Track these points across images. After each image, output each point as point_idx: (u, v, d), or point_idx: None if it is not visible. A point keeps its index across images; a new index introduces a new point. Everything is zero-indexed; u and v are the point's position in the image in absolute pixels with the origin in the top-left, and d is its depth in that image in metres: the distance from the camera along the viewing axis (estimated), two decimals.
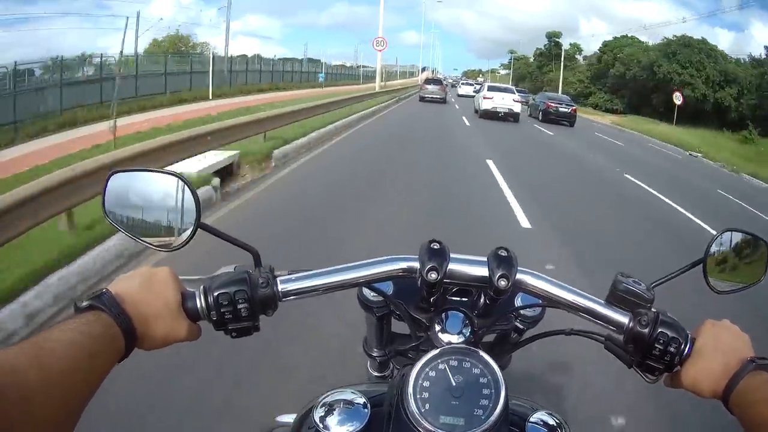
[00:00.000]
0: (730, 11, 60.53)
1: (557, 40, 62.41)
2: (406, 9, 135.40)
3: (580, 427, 2.00)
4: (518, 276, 0.64)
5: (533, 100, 25.17)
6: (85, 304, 0.53)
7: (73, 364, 0.46)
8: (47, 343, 0.46)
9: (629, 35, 48.15)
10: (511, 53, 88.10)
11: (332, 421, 0.63)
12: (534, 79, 63.24)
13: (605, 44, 48.38)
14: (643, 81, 37.76)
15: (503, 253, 0.64)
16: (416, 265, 0.65)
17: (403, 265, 0.66)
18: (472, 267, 0.65)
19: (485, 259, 0.65)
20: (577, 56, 61.46)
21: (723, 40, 69.76)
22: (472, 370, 0.63)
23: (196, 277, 0.63)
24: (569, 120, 20.88)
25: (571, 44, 62.28)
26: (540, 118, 21.02)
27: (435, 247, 0.64)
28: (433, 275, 0.62)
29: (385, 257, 0.67)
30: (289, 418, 0.84)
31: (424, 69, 79.65)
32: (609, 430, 2.25)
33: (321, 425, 0.62)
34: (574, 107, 21.63)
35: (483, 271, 0.64)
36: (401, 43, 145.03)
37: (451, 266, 0.64)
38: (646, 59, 38.43)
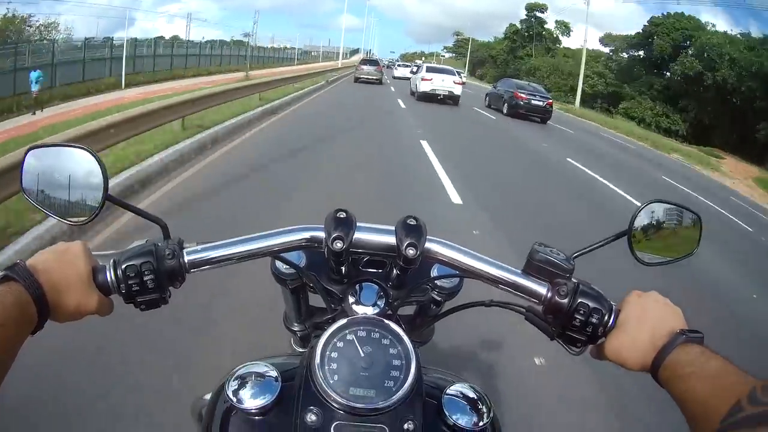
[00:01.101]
0: None
1: (539, 15, 53.98)
2: None
3: (501, 400, 2.20)
4: (427, 245, 0.67)
5: (494, 88, 21.25)
6: (0, 274, 0.56)
7: None
8: None
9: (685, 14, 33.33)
10: (457, 35, 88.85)
11: (245, 394, 0.64)
12: (502, 64, 55.10)
13: (654, 23, 34.74)
14: (745, 95, 23.12)
15: (411, 222, 0.66)
16: (321, 234, 0.67)
17: (308, 234, 0.68)
18: (379, 236, 0.68)
19: (393, 228, 0.67)
20: (563, 37, 54.60)
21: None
22: (382, 340, 0.65)
23: (109, 252, 0.66)
24: (542, 115, 17.82)
25: (557, 22, 54.47)
26: (505, 111, 18.05)
27: (341, 216, 0.66)
28: (339, 244, 0.64)
29: (291, 227, 0.69)
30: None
31: (355, 51, 79.82)
32: (530, 402, 2.36)
33: (234, 399, 0.64)
34: (549, 99, 18.33)
35: (391, 240, 0.67)
36: (339, 26, 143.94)
37: (358, 235, 0.67)
38: (750, 61, 23.34)
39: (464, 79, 43.21)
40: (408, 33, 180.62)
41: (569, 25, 56.38)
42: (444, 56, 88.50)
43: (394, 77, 34.52)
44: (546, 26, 54.70)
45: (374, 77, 25.23)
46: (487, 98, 20.87)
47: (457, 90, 18.89)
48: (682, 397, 0.56)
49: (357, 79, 25.23)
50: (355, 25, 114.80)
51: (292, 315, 0.90)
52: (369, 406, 0.61)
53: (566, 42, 55.82)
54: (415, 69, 25.62)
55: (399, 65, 42.95)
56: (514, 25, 57.92)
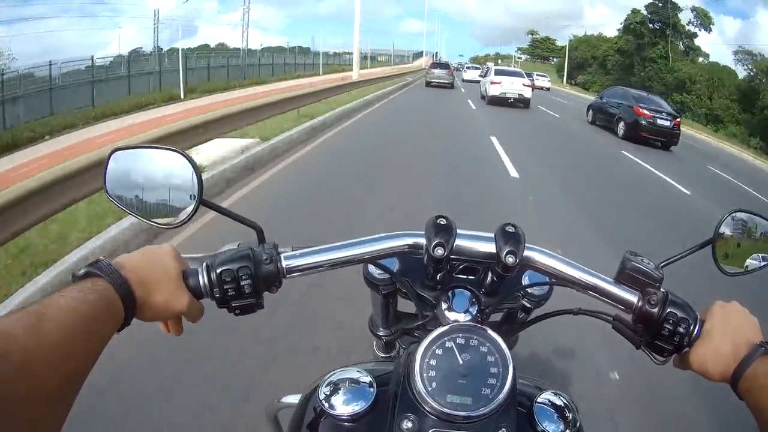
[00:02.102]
0: None
1: None
2: None
3: (587, 408, 2.11)
4: (526, 253, 0.69)
5: (600, 99, 16.82)
6: (82, 271, 0.58)
7: (71, 331, 0.49)
8: (45, 309, 0.49)
9: None
10: (532, 34, 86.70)
11: (337, 400, 0.67)
12: (618, 69, 42.03)
13: None
14: None
15: (511, 230, 0.69)
16: (422, 241, 0.70)
17: (409, 240, 0.72)
18: (479, 243, 0.71)
19: (492, 235, 0.70)
20: (700, 32, 39.28)
21: (728, 27, 65.13)
22: (480, 348, 0.67)
23: (199, 255, 0.69)
24: (667, 139, 13.97)
25: (694, 10, 37.90)
26: (621, 133, 14.25)
27: (441, 222, 0.69)
28: (440, 251, 0.67)
29: (390, 233, 0.73)
30: (294, 399, 0.90)
31: (419, 54, 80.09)
32: (614, 411, 2.38)
33: (326, 404, 0.66)
34: (677, 118, 14.19)
35: (490, 248, 0.70)
36: (402, 30, 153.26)
37: (458, 242, 0.69)
38: None
39: (549, 84, 41.73)
40: (473, 36, 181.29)
41: (708, 13, 41.04)
42: (521, 59, 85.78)
43: (464, 80, 35.44)
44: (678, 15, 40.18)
45: (445, 81, 25.94)
46: (590, 112, 17.15)
47: (527, 93, 19.02)
48: (758, 408, 0.58)
49: (428, 83, 26.04)
50: (421, 30, 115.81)
51: (379, 320, 0.93)
52: (466, 413, 0.62)
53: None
54: (484, 72, 25.54)
55: (468, 68, 43.54)
56: (638, 11, 41.69)
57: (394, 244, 0.72)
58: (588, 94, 37.12)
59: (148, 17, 33.41)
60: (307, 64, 40.54)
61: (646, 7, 40.20)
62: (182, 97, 24.44)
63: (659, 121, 13.69)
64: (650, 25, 39.88)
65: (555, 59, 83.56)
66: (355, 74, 21.24)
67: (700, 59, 38.86)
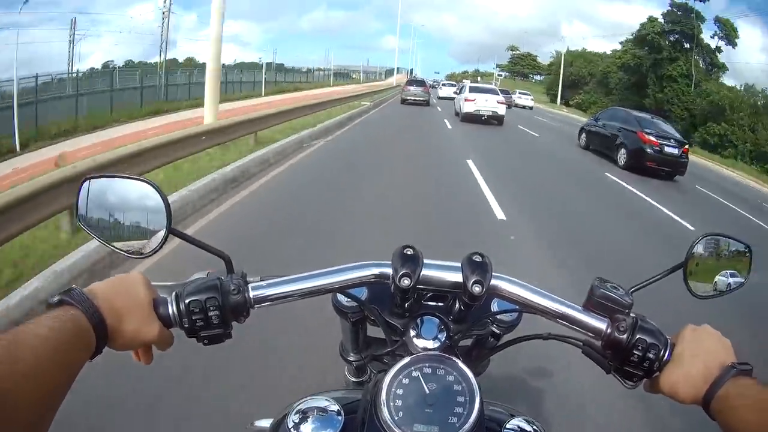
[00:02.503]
0: None
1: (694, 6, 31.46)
2: (385, 14, 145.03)
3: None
4: (493, 282, 0.72)
5: (595, 122, 15.03)
6: (55, 299, 0.60)
7: (43, 359, 0.51)
8: (18, 336, 0.51)
9: None
10: (512, 50, 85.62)
11: (306, 428, 0.69)
12: (623, 88, 36.04)
13: None
14: None
15: (477, 259, 0.72)
16: (389, 271, 0.72)
17: (376, 271, 0.74)
18: (445, 273, 0.74)
19: (459, 264, 0.73)
20: (725, 47, 32.36)
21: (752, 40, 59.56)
22: (447, 377, 0.69)
23: (169, 283, 0.71)
24: (674, 169, 12.33)
25: (717, 21, 31.32)
26: (622, 162, 12.58)
27: (408, 252, 0.72)
28: (406, 281, 0.70)
29: (357, 263, 0.75)
30: (265, 423, 0.92)
31: (391, 72, 78.10)
32: None
33: None
34: (685, 145, 12.59)
35: (457, 277, 0.72)
36: (381, 47, 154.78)
37: (425, 272, 0.72)
38: None
39: (532, 102, 39.65)
40: (450, 53, 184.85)
41: (736, 29, 33.92)
42: (501, 76, 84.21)
43: (440, 97, 35.57)
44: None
45: (421, 98, 26.14)
46: (583, 136, 15.47)
47: (501, 110, 19.27)
48: (733, 429, 0.60)
49: (404, 101, 26.08)
50: (400, 47, 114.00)
51: (350, 346, 0.95)
52: None
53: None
54: (459, 89, 25.90)
55: (444, 84, 43.73)
56: (655, 20, 34.85)
57: (361, 274, 0.75)
58: (584, 116, 32.82)
59: (128, 29, 33.24)
60: (256, 82, 37.14)
61: (664, 15, 34.02)
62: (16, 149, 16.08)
63: (667, 149, 12.00)
64: (669, 38, 33.57)
65: (536, 76, 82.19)
66: (208, 116, 9.94)
67: (724, 78, 33.12)
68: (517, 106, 38.63)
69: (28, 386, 0.48)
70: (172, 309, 0.68)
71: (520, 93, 42.06)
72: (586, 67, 48.10)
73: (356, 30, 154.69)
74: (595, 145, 14.48)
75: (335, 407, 0.71)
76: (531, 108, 39.46)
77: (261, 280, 0.73)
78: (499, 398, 0.81)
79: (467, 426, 0.65)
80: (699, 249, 0.80)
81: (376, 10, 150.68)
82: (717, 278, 0.82)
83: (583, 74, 48.08)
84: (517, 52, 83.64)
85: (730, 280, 0.82)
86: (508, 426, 0.72)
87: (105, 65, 28.45)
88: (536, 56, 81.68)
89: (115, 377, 2.09)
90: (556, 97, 51.84)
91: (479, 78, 77.69)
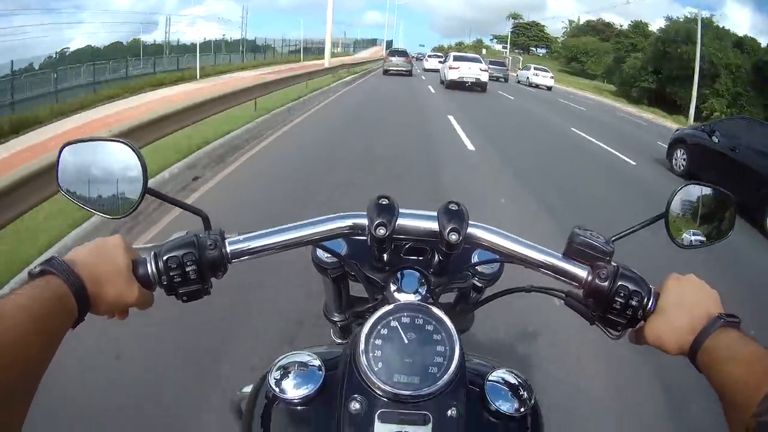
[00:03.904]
0: None
1: None
2: None
3: (543, 386, 2.51)
4: (470, 230, 0.76)
5: (709, 133, 9.03)
6: (36, 270, 0.64)
7: (24, 328, 0.55)
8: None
9: None
10: (514, 18, 78.64)
11: (288, 384, 0.74)
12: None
13: None
14: None
15: (454, 207, 0.76)
16: (364, 221, 0.77)
17: (350, 222, 0.79)
18: (421, 221, 0.78)
19: (435, 213, 0.77)
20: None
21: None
22: (425, 326, 0.73)
23: (149, 245, 0.76)
24: None
25: None
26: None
27: (383, 202, 0.76)
28: (382, 230, 0.74)
29: (333, 215, 0.80)
30: None
31: (372, 42, 75.33)
32: (573, 389, 2.75)
33: (277, 389, 0.73)
34: None
35: (433, 226, 0.77)
36: (364, 23, 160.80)
37: (400, 221, 0.76)
38: None
39: (552, 81, 32.95)
40: (432, 27, 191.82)
41: None
42: (494, 48, 76.86)
43: (425, 69, 37.04)
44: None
45: (404, 68, 29.31)
46: (679, 154, 10.05)
47: (484, 77, 22.64)
48: (719, 382, 0.63)
49: (386, 71, 29.35)
50: (381, 21, 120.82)
51: (333, 305, 1.02)
52: (413, 392, 0.68)
53: None
54: (444, 60, 29.20)
55: (430, 56, 44.02)
56: None
57: (336, 226, 0.79)
58: (623, 105, 32.19)
59: (113, 12, 32.61)
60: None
61: None
62: None
63: None
64: None
65: (540, 49, 75.00)
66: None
67: None
68: (531, 85, 34.47)
69: (11, 356, 0.52)
70: (151, 268, 0.73)
71: (536, 69, 36.34)
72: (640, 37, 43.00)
73: (338, 6, 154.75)
74: (709, 175, 8.33)
75: (316, 362, 0.76)
76: (550, 89, 34.34)
77: (238, 235, 0.78)
78: (485, 353, 0.87)
79: (448, 375, 0.69)
80: (681, 198, 0.84)
81: None
82: (699, 228, 0.85)
83: (620, 45, 45.64)
84: (521, 20, 76.57)
85: (713, 230, 0.85)
86: (490, 378, 0.76)
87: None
88: (544, 26, 74.66)
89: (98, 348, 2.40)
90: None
91: (483, 51, 70.98)
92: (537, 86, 33.98)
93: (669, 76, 34.42)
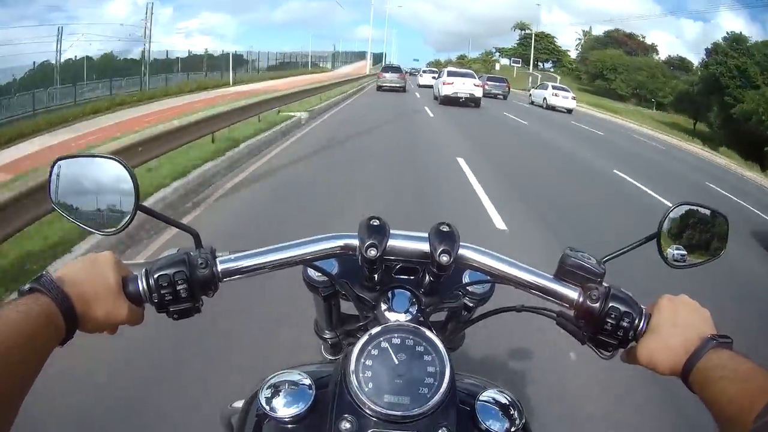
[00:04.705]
0: None
1: None
2: (361, 2, 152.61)
3: (535, 405, 2.61)
4: (460, 251, 0.80)
5: None
6: (27, 287, 0.68)
7: (12, 345, 0.58)
8: None
9: None
10: (521, 28, 75.07)
11: (278, 402, 0.76)
12: None
13: None
14: None
15: (445, 229, 0.80)
16: (355, 242, 0.81)
17: (341, 242, 0.83)
18: (412, 243, 0.82)
19: (426, 235, 0.81)
20: None
21: (688, 31, 71.54)
22: (416, 347, 0.76)
23: (140, 261, 0.80)
24: None
25: None
26: None
27: (374, 223, 0.80)
28: (372, 252, 0.78)
29: (324, 235, 0.84)
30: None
31: (361, 55, 70.33)
32: (563, 407, 2.85)
33: (267, 407, 0.76)
34: None
35: (424, 247, 0.81)
36: (356, 37, 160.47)
37: (391, 242, 0.80)
38: None
39: (574, 103, 29.27)
40: (426, 42, 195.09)
41: None
42: (499, 62, 73.18)
43: (420, 85, 37.68)
44: None
45: (397, 85, 30.34)
46: None
47: (478, 92, 23.75)
48: (713, 401, 0.66)
49: (380, 88, 30.25)
50: (375, 37, 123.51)
51: (323, 323, 1.05)
52: (403, 413, 0.71)
53: None
54: (438, 75, 29.71)
55: (425, 72, 44.39)
56: None
57: (327, 246, 0.83)
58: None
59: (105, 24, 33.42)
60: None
61: None
62: None
63: None
64: None
65: (546, 64, 71.42)
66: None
67: None
68: (548, 107, 30.43)
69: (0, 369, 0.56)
70: (141, 285, 0.76)
71: (554, 89, 31.63)
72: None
73: (332, 20, 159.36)
74: None
75: (307, 381, 0.79)
76: (570, 111, 30.39)
77: (230, 254, 0.81)
78: (476, 373, 0.90)
79: (438, 395, 0.72)
80: (673, 218, 0.87)
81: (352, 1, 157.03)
82: (691, 248, 0.88)
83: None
84: (528, 30, 73.20)
85: (704, 250, 0.89)
86: (481, 397, 0.79)
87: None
88: (554, 37, 71.35)
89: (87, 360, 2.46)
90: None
91: (497, 66, 66.98)
92: (553, 108, 29.96)
93: None
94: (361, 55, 72.52)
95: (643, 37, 61.16)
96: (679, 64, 58.04)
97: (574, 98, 31.57)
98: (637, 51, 58.13)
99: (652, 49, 62.28)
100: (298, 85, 20.78)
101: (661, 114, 45.34)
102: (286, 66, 49.33)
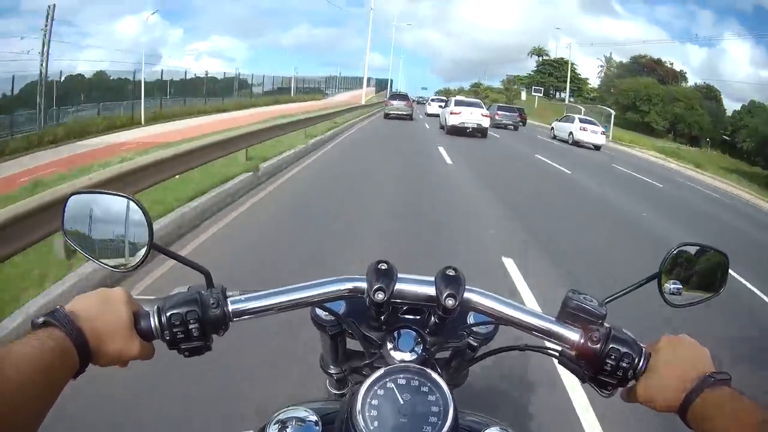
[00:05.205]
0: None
1: None
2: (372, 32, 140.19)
3: None
4: (466, 295, 0.84)
5: None
6: (40, 320, 0.70)
7: (25, 378, 0.60)
8: (4, 354, 0.60)
9: None
10: (539, 54, 71.97)
11: None
12: None
13: None
14: None
15: (451, 273, 0.84)
16: (364, 285, 0.85)
17: (350, 285, 0.87)
18: (419, 287, 0.86)
19: (432, 279, 0.85)
20: None
21: (694, 58, 73.37)
22: (420, 388, 0.80)
23: (151, 297, 0.83)
24: None
25: None
26: None
27: (382, 267, 0.84)
28: (380, 296, 0.82)
29: (333, 278, 0.88)
30: None
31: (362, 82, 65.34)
32: None
33: None
34: None
35: (430, 291, 0.84)
36: (371, 65, 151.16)
37: (399, 286, 0.84)
38: None
39: (604, 138, 26.08)
40: (434, 71, 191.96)
41: None
42: (535, 94, 68.84)
43: (428, 114, 37.75)
44: None
45: (404, 113, 31.26)
46: None
47: (485, 122, 24.07)
48: None
49: (387, 116, 31.38)
50: (384, 63, 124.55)
51: (329, 358, 1.08)
52: None
53: None
54: (443, 104, 30.67)
55: (433, 100, 44.28)
56: None
57: (336, 288, 0.87)
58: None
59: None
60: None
61: None
62: None
63: None
64: None
65: (562, 93, 68.09)
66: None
67: None
68: (573, 143, 28.05)
69: (11, 405, 0.57)
70: (153, 322, 0.79)
71: (582, 122, 28.84)
72: None
73: (340, 46, 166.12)
74: None
75: (313, 417, 0.82)
76: (598, 148, 27.91)
77: (240, 294, 0.85)
78: (479, 410, 0.93)
79: None
80: (675, 258, 0.91)
81: (358, 27, 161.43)
82: (691, 287, 0.92)
83: None
84: (547, 56, 70.15)
85: (705, 288, 0.93)
86: None
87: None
88: (575, 65, 68.09)
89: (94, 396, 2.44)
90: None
91: (523, 95, 64.16)
92: (578, 144, 27.46)
93: None
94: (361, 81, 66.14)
95: (671, 64, 58.18)
96: (706, 92, 54.69)
97: (603, 133, 29.05)
98: (667, 79, 54.96)
99: (681, 76, 59.19)
100: (247, 122, 17.23)
101: (706, 153, 41.80)
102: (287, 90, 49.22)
